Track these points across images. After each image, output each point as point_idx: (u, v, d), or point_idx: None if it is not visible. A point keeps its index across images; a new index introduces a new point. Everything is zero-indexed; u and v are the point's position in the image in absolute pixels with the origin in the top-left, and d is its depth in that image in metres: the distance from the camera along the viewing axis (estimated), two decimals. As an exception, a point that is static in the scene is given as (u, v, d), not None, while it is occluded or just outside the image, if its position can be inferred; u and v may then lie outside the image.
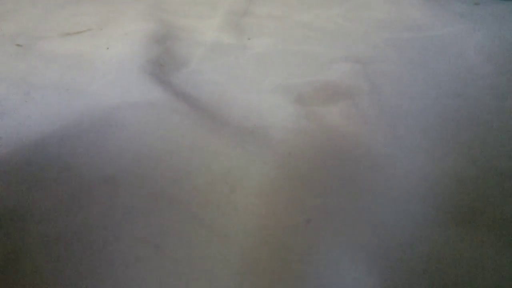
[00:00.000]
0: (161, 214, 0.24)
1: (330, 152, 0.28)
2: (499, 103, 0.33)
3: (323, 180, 0.26)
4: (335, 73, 0.39)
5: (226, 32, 0.49)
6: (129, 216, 0.24)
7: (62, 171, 0.27)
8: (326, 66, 0.40)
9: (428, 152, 0.28)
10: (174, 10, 0.58)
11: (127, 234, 0.24)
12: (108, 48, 0.46)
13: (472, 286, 0.21)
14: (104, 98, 0.34)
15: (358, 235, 0.22)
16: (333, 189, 0.25)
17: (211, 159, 0.26)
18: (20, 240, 0.23)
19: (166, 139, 0.28)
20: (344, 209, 0.23)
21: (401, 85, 0.37)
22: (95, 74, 0.40)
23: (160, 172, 0.26)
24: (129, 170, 0.27)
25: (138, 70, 0.38)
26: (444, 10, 0.52)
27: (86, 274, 0.22)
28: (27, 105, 0.35)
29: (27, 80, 0.39)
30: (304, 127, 0.31)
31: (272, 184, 0.24)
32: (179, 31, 0.50)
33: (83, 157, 0.28)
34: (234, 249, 0.22)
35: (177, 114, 0.30)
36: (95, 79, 0.39)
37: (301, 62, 0.42)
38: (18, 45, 0.48)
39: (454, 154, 0.28)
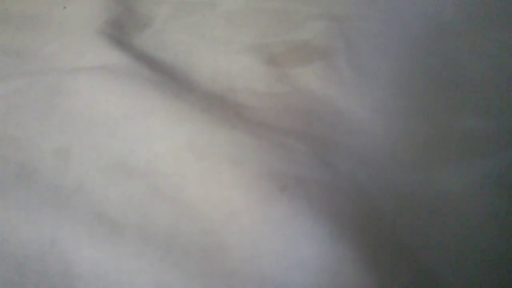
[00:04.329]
0: (119, 187, 0.22)
1: (305, 117, 0.26)
2: (479, 61, 0.31)
3: (298, 146, 0.23)
4: (309, 31, 0.36)
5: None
6: (83, 191, 0.22)
7: (8, 145, 0.24)
8: (300, 24, 0.38)
9: (407, 115, 0.27)
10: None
11: (81, 211, 0.21)
12: (65, 8, 0.42)
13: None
14: (57, 63, 0.31)
15: (336, 203, 0.20)
16: (308, 155, 0.23)
17: (174, 125, 0.24)
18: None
19: (123, 105, 0.25)
20: (321, 177, 0.21)
21: (378, 44, 0.35)
22: (49, 36, 0.36)
23: (117, 141, 0.24)
24: (83, 141, 0.24)
25: (96, 32, 0.35)
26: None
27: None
28: (-29, 71, 0.31)
29: (-28, 43, 0.36)
30: (276, 90, 0.29)
31: (242, 152, 0.22)
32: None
33: (31, 128, 0.25)
34: (202, 225, 0.20)
35: (136, 79, 0.28)
36: (48, 41, 0.35)
37: (273, 20, 0.39)
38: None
39: (435, 116, 0.27)
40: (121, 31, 0.36)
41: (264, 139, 0.23)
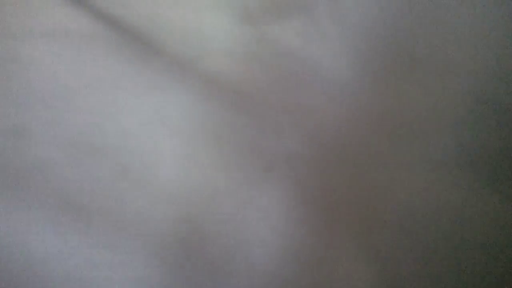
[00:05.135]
0: (84, 168, 0.20)
1: (287, 83, 0.24)
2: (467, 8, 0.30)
3: (281, 117, 0.22)
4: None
5: None
6: (44, 172, 0.20)
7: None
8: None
9: (391, 75, 0.25)
10: None
11: (42, 195, 0.19)
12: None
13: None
14: (11, 27, 0.28)
15: (324, 180, 0.19)
16: (293, 128, 0.21)
17: (142, 96, 0.21)
18: None
19: (86, 75, 0.23)
20: (307, 151, 0.20)
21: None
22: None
23: (79, 116, 0.21)
24: (41, 116, 0.21)
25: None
26: None
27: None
28: None
29: None
30: (254, 51, 0.26)
31: (221, 126, 0.20)
32: None
33: (-18, 103, 0.22)
34: (179, 210, 0.18)
35: (99, 43, 0.25)
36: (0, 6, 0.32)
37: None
38: None
39: (424, 78, 0.25)
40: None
41: (244, 111, 0.21)
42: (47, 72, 0.23)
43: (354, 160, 0.20)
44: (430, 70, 0.26)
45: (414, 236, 0.18)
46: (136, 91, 0.22)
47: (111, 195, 0.19)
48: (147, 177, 0.19)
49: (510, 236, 0.19)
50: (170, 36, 0.28)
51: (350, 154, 0.20)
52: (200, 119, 0.20)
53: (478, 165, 0.20)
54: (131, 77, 0.22)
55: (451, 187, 0.19)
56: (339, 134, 0.21)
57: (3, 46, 0.25)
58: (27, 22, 0.28)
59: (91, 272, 0.17)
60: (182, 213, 0.18)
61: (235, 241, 0.17)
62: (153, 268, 0.17)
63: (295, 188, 0.18)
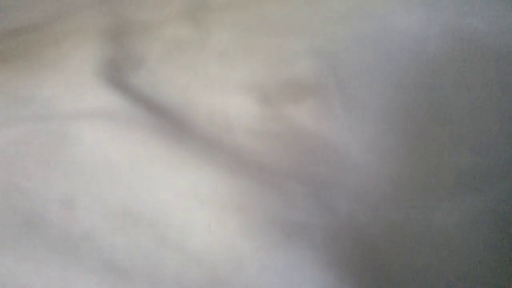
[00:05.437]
0: (126, 235, 0.23)
1: (302, 157, 0.27)
2: (465, 95, 0.33)
3: (298, 189, 0.24)
4: (300, 68, 0.37)
5: (185, 26, 0.47)
6: (90, 239, 0.22)
7: (14, 195, 0.24)
8: (290, 61, 0.39)
9: (400, 152, 0.28)
10: (128, 2, 0.55)
11: (89, 259, 0.22)
12: (58, 47, 0.43)
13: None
14: (57, 107, 0.32)
15: (339, 247, 0.21)
16: (308, 199, 0.24)
17: (177, 172, 0.25)
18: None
19: (126, 152, 0.26)
20: (322, 221, 0.22)
21: (367, 79, 0.36)
22: (45, 79, 0.37)
23: (121, 188, 0.24)
24: (88, 188, 0.25)
25: (92, 72, 0.36)
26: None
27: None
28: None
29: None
30: (273, 129, 0.30)
31: (245, 198, 0.23)
32: (134, 26, 0.47)
33: (36, 177, 0.25)
34: (209, 274, 0.20)
35: (137, 124, 0.28)
36: (45, 84, 0.36)
37: (265, 57, 0.40)
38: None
39: (426, 152, 0.28)
40: (117, 71, 0.37)
41: (265, 184, 0.24)
42: (92, 149, 0.27)
43: (362, 229, 0.22)
44: (441, 147, 0.29)
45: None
46: (171, 167, 0.25)
47: (149, 260, 0.21)
48: (181, 244, 0.22)
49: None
50: (197, 114, 0.32)
51: (357, 224, 0.23)
52: (227, 190, 0.23)
53: None
54: (166, 154, 0.26)
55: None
56: (347, 203, 0.24)
57: (53, 126, 0.29)
58: (72, 103, 0.32)
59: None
60: (212, 276, 0.20)
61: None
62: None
63: (311, 252, 0.20)
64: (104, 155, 0.26)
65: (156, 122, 0.29)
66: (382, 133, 0.29)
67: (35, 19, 0.50)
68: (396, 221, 0.23)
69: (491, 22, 0.44)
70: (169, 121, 0.30)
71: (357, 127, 0.30)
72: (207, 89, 0.35)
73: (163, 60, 0.40)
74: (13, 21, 0.50)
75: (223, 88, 0.35)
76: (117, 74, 0.36)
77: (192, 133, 0.29)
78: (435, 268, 0.21)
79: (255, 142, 0.28)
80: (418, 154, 0.27)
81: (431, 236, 0.23)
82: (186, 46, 0.43)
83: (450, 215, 0.24)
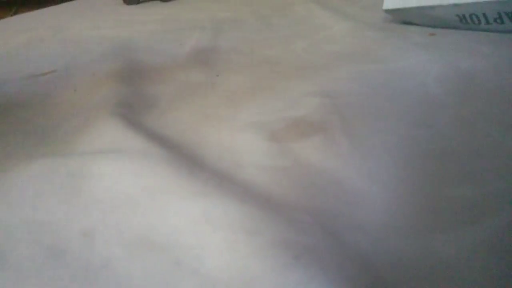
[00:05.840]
0: (142, 261, 0.24)
1: (308, 190, 0.28)
2: (464, 132, 0.34)
3: (305, 218, 0.26)
4: (305, 107, 0.40)
5: (195, 69, 0.50)
6: (110, 268, 0.24)
7: (38, 229, 0.26)
8: (296, 101, 0.41)
9: (401, 185, 0.29)
10: (141, 48, 0.59)
11: (107, 286, 0.23)
12: (75, 90, 0.45)
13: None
14: (75, 145, 0.34)
15: (344, 270, 0.22)
16: (315, 227, 0.25)
17: (190, 200, 0.26)
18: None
19: (142, 185, 0.28)
20: (328, 246, 0.24)
21: (369, 118, 0.38)
22: (63, 118, 0.39)
23: (137, 218, 0.26)
24: (106, 220, 0.26)
25: (108, 113, 0.38)
26: (403, 42, 0.55)
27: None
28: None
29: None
30: (280, 164, 0.31)
31: (255, 223, 0.24)
32: (147, 70, 0.50)
33: (59, 211, 0.27)
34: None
35: (151, 159, 0.30)
36: (62, 123, 0.38)
37: (271, 98, 0.42)
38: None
39: (426, 185, 0.29)
40: (131, 111, 0.39)
41: (274, 212, 0.25)
42: (110, 184, 0.28)
43: (366, 257, 0.24)
44: (440, 180, 0.30)
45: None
46: (184, 196, 0.26)
47: (166, 284, 0.23)
48: (196, 267, 0.23)
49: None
50: (208, 151, 0.34)
51: (361, 251, 0.24)
52: (238, 216, 0.25)
53: None
54: (179, 185, 0.27)
55: None
56: (351, 232, 0.25)
57: (72, 163, 0.31)
58: (90, 141, 0.34)
59: None
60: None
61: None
62: None
63: (319, 273, 0.21)
64: (121, 188, 0.28)
65: (169, 157, 0.30)
66: (384, 167, 0.31)
67: (53, 66, 0.53)
68: (398, 250, 0.24)
69: (490, 61, 0.46)
70: (181, 156, 0.31)
71: (361, 162, 0.31)
72: (217, 128, 0.37)
73: (175, 101, 0.42)
74: (33, 68, 0.53)
75: (232, 126, 0.37)
76: (131, 114, 0.39)
77: (203, 166, 0.31)
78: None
79: (263, 176, 0.30)
80: (418, 187, 0.29)
81: (432, 265, 0.24)
82: (197, 88, 0.45)
83: (449, 245, 0.25)
